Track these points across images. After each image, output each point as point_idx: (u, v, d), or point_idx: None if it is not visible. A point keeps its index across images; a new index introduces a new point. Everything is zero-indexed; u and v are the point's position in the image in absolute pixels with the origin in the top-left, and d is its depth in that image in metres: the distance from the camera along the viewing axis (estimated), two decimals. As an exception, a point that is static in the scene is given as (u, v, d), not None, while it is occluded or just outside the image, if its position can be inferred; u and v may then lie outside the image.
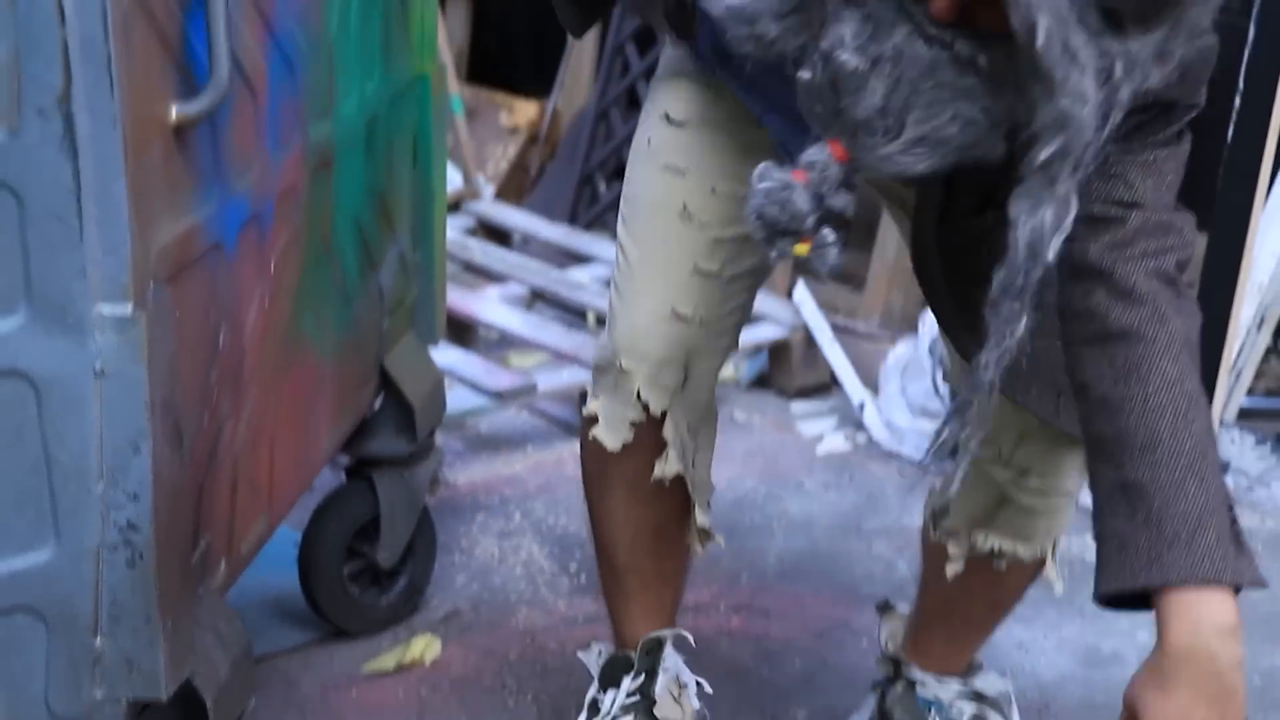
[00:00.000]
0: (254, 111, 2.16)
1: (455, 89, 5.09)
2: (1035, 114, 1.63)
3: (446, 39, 4.97)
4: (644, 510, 2.38)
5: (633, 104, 5.06)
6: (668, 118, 2.24)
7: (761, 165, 1.77)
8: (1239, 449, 3.62)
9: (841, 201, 1.76)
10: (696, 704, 2.50)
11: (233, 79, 2.03)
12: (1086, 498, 2.13)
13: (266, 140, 2.20)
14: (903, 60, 1.68)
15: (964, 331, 2.02)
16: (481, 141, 5.29)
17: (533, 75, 5.48)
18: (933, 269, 2.06)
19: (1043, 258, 1.68)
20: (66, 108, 1.78)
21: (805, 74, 1.73)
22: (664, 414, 2.29)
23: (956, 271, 2.03)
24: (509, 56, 5.63)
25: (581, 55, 5.28)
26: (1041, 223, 1.67)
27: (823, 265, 1.78)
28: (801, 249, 1.77)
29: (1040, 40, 1.58)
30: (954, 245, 2.01)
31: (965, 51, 1.67)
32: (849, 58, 1.69)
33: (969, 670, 2.55)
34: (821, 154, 1.74)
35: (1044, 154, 1.64)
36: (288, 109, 2.26)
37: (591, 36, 5.16)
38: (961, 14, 1.66)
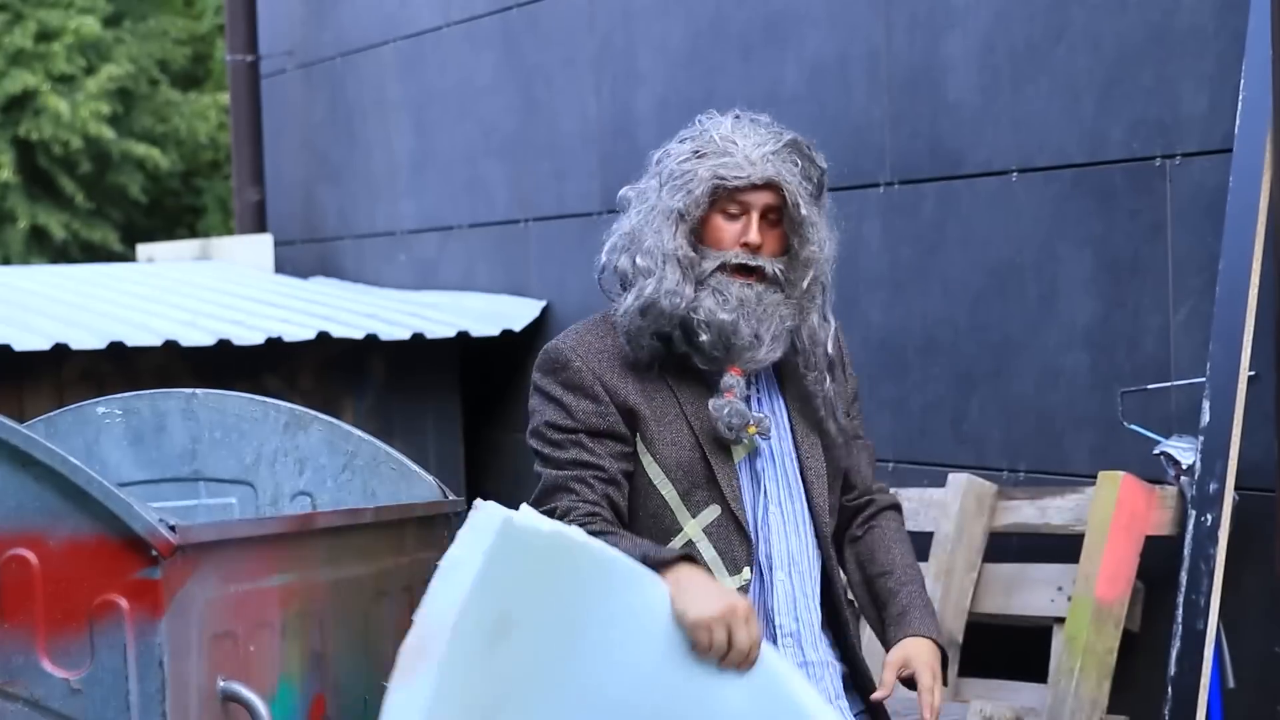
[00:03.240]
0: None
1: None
2: (801, 283, 2.95)
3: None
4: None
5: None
6: None
7: (710, 400, 2.95)
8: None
9: (752, 400, 3.01)
10: None
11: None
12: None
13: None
14: (745, 304, 2.91)
15: None
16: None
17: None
18: None
19: (820, 345, 2.99)
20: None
21: (704, 337, 2.92)
22: None
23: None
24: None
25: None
26: (813, 326, 3.00)
27: (765, 437, 2.98)
28: (752, 430, 2.95)
29: (799, 216, 2.92)
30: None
31: (770, 270, 2.94)
32: (725, 316, 2.91)
33: None
34: (729, 377, 2.96)
35: (804, 282, 2.96)
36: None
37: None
38: (756, 250, 2.94)
